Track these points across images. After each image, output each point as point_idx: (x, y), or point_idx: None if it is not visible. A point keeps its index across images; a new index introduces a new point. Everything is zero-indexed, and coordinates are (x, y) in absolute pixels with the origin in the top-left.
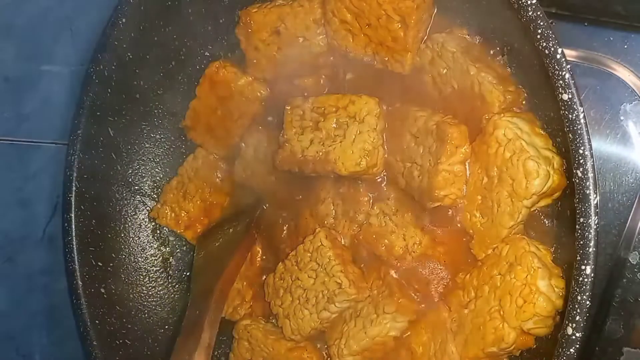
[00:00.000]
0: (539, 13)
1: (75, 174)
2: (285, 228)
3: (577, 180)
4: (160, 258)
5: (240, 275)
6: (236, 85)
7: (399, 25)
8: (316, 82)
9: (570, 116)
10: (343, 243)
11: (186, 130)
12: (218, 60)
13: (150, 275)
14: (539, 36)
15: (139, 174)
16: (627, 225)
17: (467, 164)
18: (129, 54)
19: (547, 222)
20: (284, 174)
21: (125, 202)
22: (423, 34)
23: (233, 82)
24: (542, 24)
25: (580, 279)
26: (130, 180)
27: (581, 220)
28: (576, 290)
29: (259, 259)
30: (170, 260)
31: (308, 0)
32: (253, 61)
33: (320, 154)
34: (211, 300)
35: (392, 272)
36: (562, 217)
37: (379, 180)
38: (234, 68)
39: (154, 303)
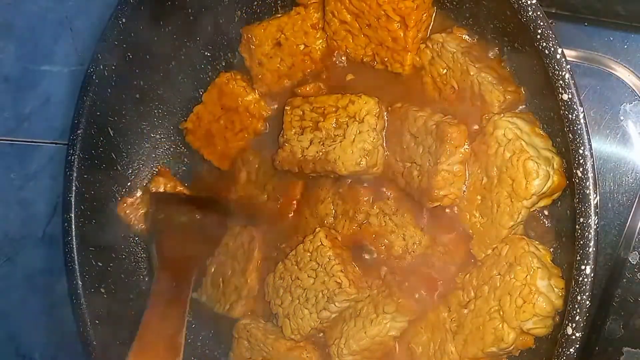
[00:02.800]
0: (539, 13)
1: (75, 174)
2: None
3: (577, 180)
4: None
5: (234, 272)
6: (243, 100)
7: (399, 26)
8: (317, 87)
9: (570, 116)
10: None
11: (185, 132)
12: (230, 72)
13: (151, 275)
14: (539, 36)
15: (139, 174)
16: (627, 225)
17: (466, 164)
18: (129, 54)
19: (547, 222)
20: (274, 195)
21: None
22: (423, 34)
23: (241, 97)
24: (542, 24)
25: (580, 279)
26: (130, 180)
27: (581, 220)
28: (576, 290)
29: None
30: None
31: (304, 6)
32: (259, 77)
33: (320, 153)
34: (188, 284)
35: (392, 272)
36: (562, 217)
37: (378, 180)
38: (244, 82)
39: None
